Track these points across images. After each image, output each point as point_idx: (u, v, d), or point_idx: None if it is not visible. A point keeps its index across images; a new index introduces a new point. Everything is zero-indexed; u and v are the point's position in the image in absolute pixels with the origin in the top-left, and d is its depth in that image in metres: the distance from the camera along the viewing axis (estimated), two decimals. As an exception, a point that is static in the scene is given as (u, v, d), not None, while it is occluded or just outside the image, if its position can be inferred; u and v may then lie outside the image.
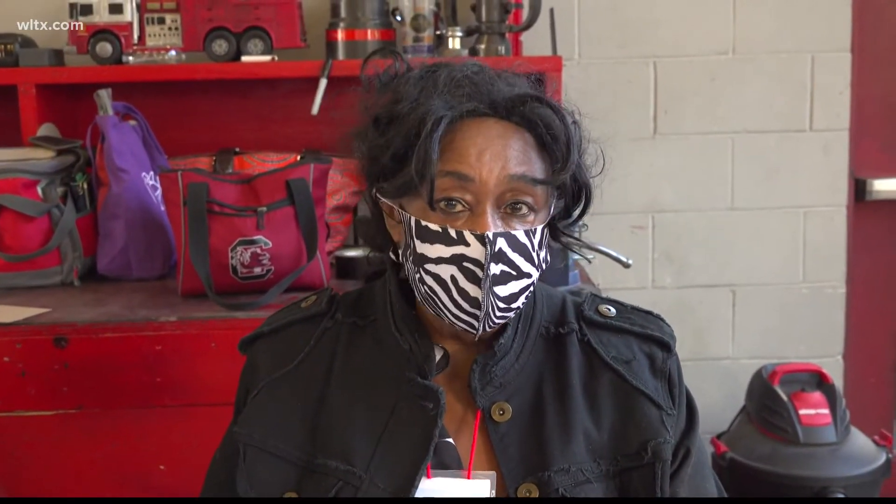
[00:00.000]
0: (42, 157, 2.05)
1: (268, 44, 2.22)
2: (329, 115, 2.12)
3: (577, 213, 1.14)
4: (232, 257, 1.85)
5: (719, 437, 2.44)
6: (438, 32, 2.35)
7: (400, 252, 1.11)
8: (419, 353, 1.10)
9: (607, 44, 2.56)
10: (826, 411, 2.31)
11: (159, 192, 2.07)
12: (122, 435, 1.75)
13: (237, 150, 2.27)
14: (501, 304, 1.05)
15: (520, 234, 1.04)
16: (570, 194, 1.11)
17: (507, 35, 2.34)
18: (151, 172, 2.13)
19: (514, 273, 1.04)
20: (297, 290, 1.85)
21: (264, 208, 1.87)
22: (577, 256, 1.94)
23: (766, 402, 2.36)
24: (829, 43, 2.57)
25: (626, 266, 1.83)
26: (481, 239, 1.02)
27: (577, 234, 1.18)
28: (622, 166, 2.59)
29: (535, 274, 1.07)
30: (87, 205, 2.09)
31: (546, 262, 1.10)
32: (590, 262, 2.02)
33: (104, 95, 2.07)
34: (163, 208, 2.05)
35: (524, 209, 1.05)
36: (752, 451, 2.31)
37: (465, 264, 1.03)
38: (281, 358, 1.15)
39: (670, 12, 2.55)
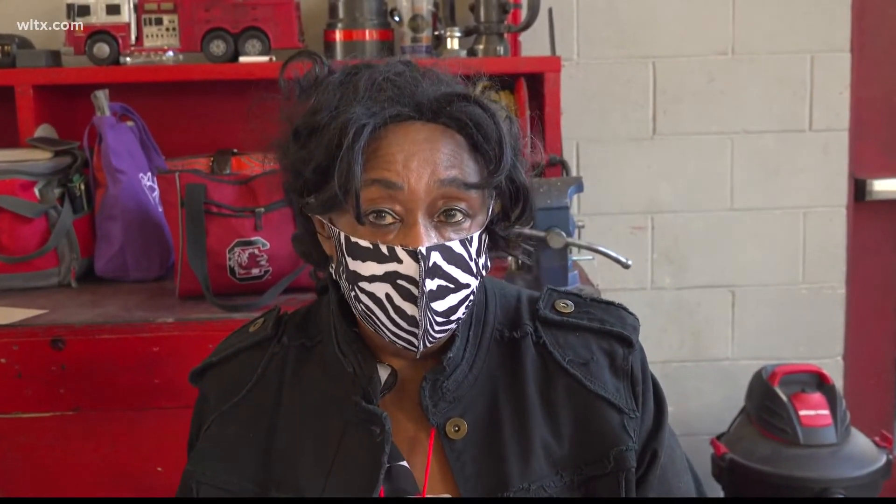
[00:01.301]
0: (39, 158, 2.04)
1: (266, 44, 2.22)
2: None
3: (515, 215, 1.08)
4: (230, 258, 1.84)
5: (719, 438, 2.43)
6: (437, 33, 2.35)
7: (333, 269, 1.07)
8: (363, 375, 1.05)
9: (606, 44, 2.55)
10: (826, 412, 2.30)
11: (157, 193, 2.07)
12: (120, 436, 1.74)
13: (235, 150, 2.27)
14: (440, 319, 1.00)
15: (455, 245, 0.99)
16: (507, 196, 1.05)
17: (505, 35, 2.33)
18: (149, 173, 2.12)
19: (451, 286, 0.99)
20: (295, 292, 1.85)
21: (262, 209, 1.86)
22: (576, 257, 1.93)
23: (766, 403, 2.36)
24: (828, 43, 2.57)
25: (626, 267, 1.82)
26: (414, 255, 0.96)
27: (515, 237, 1.11)
28: (621, 167, 2.59)
29: (475, 283, 1.02)
30: (84, 206, 2.08)
31: (486, 269, 1.06)
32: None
33: (101, 96, 2.07)
34: (160, 209, 2.05)
35: (459, 216, 0.99)
36: (752, 453, 2.31)
37: (400, 282, 0.97)
38: (230, 389, 1.12)
39: (669, 12, 2.55)
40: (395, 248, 0.97)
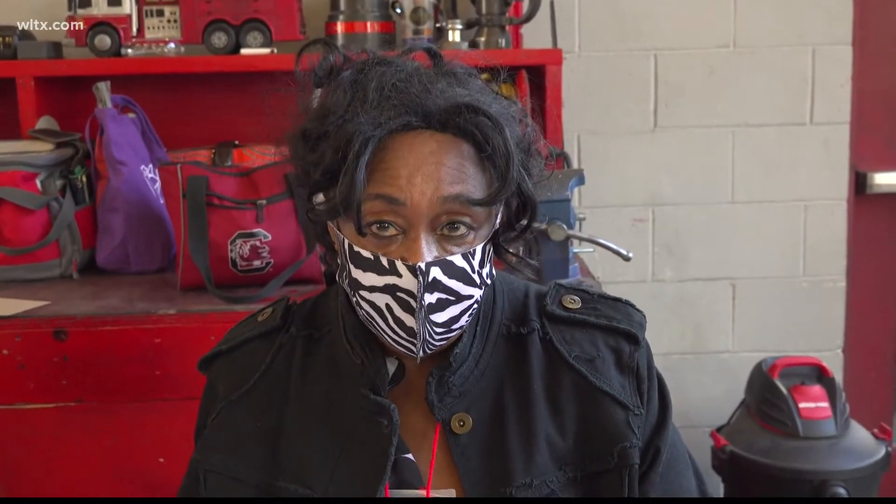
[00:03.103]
0: (41, 149, 2.04)
1: (267, 36, 2.22)
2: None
3: (520, 227, 1.07)
4: (231, 250, 1.84)
5: (719, 430, 2.44)
6: (438, 25, 2.34)
7: (337, 271, 1.06)
8: (371, 366, 1.05)
9: (608, 37, 2.55)
10: (826, 405, 2.31)
11: (158, 185, 2.07)
12: (122, 428, 1.74)
13: (236, 142, 2.27)
14: (439, 330, 1.00)
15: (456, 259, 0.98)
16: (514, 207, 1.04)
17: (507, 28, 2.33)
18: (150, 165, 2.12)
19: (452, 298, 0.99)
20: (296, 284, 1.86)
21: (264, 201, 1.87)
22: (577, 249, 1.94)
23: (766, 395, 2.36)
24: (829, 36, 2.57)
25: (627, 259, 1.83)
26: (413, 270, 0.96)
27: (519, 251, 1.11)
28: (622, 159, 2.59)
29: (479, 293, 1.02)
30: (85, 198, 2.08)
31: (491, 277, 1.05)
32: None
33: (103, 88, 2.07)
34: (162, 201, 2.05)
35: (462, 229, 0.98)
36: (752, 445, 2.31)
37: (399, 294, 0.97)
38: (238, 378, 1.12)
39: (671, 5, 2.55)
40: (396, 261, 0.97)
